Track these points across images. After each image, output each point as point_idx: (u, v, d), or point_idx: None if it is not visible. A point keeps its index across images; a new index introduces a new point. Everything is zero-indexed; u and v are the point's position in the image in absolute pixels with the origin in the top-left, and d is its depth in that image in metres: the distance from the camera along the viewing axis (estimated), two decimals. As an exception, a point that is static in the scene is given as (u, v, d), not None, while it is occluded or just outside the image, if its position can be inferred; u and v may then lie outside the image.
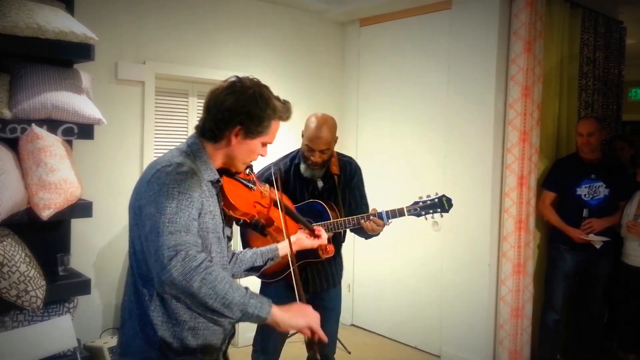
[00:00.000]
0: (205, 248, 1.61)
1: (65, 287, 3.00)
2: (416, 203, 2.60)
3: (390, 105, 4.63)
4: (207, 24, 4.05)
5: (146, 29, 3.72)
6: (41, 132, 2.78)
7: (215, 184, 1.70)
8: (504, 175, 3.87)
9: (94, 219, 3.28)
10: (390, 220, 2.60)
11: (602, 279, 3.85)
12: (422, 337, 4.41)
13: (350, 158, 2.93)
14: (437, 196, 2.60)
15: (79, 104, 2.94)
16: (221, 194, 1.76)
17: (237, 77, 1.71)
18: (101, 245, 3.56)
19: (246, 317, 1.49)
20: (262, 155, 1.76)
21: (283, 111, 1.73)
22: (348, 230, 2.74)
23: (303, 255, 2.65)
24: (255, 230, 1.90)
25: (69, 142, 3.07)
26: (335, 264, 2.84)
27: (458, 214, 4.06)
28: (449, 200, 2.60)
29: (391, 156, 4.61)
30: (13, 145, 2.80)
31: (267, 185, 2.06)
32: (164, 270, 1.41)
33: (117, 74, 3.60)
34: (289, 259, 1.87)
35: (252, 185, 1.93)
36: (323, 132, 2.66)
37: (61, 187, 2.78)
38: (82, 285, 3.06)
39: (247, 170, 1.84)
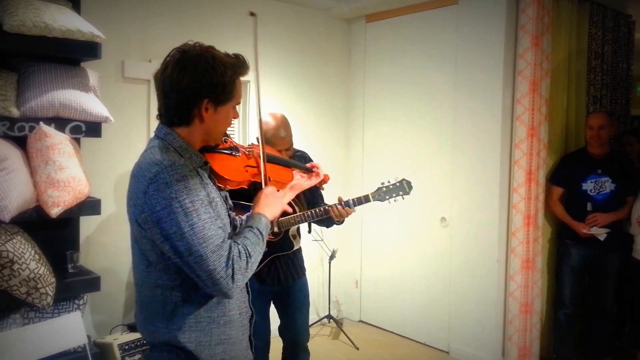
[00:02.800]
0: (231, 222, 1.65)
1: (74, 284, 3.01)
2: (379, 189, 2.67)
3: (396, 102, 4.62)
4: (213, 22, 4.06)
5: (152, 27, 3.73)
6: (49, 130, 2.79)
7: (205, 166, 1.66)
8: (512, 170, 3.85)
9: (102, 217, 3.30)
10: (355, 208, 2.67)
11: (612, 275, 3.82)
12: (430, 333, 4.40)
13: (304, 152, 2.97)
14: (397, 180, 2.68)
15: (87, 102, 2.95)
16: (212, 173, 1.72)
17: (176, 49, 1.58)
18: (110, 242, 3.57)
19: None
20: (235, 118, 1.69)
21: (240, 66, 1.62)
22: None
23: (272, 250, 2.73)
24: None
25: (77, 140, 3.08)
26: (300, 255, 2.95)
27: (466, 209, 4.10)
28: (409, 183, 2.67)
29: (398, 153, 4.60)
30: (21, 143, 2.81)
31: (247, 146, 2.01)
32: (230, 288, 1.50)
33: (123, 72, 3.61)
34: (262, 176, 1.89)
35: (235, 152, 1.86)
36: (283, 131, 2.71)
37: (70, 184, 2.79)
38: (92, 282, 3.08)
39: (224, 139, 1.77)
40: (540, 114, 3.77)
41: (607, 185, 3.74)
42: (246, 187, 1.86)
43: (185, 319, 1.57)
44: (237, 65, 1.61)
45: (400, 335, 4.63)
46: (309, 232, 2.97)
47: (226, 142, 1.80)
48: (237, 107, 1.68)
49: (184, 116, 1.57)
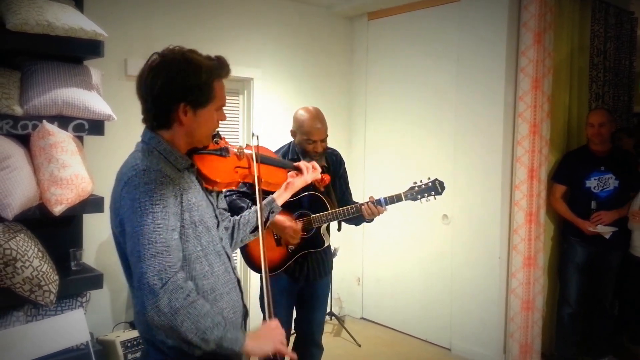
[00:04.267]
0: (193, 246, 1.57)
1: (77, 282, 3.02)
2: (412, 188, 2.68)
3: (399, 99, 4.62)
4: (215, 20, 4.06)
5: (155, 25, 3.74)
6: (52, 128, 2.80)
7: (191, 168, 1.65)
8: (514, 168, 3.85)
9: (105, 214, 3.27)
10: (387, 206, 2.68)
11: (613, 271, 3.83)
12: (432, 330, 4.41)
13: (334, 149, 3.01)
14: (430, 180, 2.69)
15: (90, 100, 2.96)
16: (200, 175, 1.71)
17: (156, 53, 1.59)
18: (113, 240, 3.58)
19: (220, 349, 1.49)
20: (221, 120, 1.67)
21: (220, 68, 1.62)
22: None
23: (304, 246, 2.74)
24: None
25: (80, 138, 3.09)
26: (329, 253, 3.00)
27: (468, 207, 4.10)
28: (441, 184, 2.68)
29: (400, 150, 4.60)
30: (25, 141, 2.82)
31: (239, 146, 2.00)
32: (150, 301, 1.38)
33: (126, 70, 3.61)
34: (258, 223, 1.85)
35: (225, 153, 1.85)
36: (320, 122, 2.75)
37: (73, 182, 2.80)
38: (95, 280, 3.09)
39: (215, 140, 1.76)
40: (543, 111, 3.77)
41: (611, 182, 3.74)
42: (235, 188, 1.86)
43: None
44: (216, 67, 1.60)
45: (401, 332, 4.64)
46: (339, 229, 2.97)
47: (218, 143, 1.78)
48: (222, 108, 1.66)
49: (163, 120, 1.58)
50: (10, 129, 2.76)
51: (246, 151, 1.93)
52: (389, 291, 4.74)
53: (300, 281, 2.86)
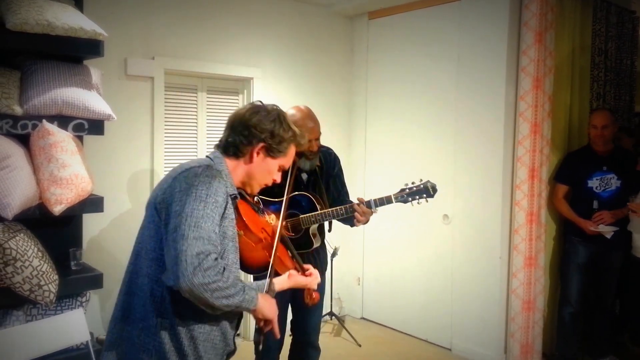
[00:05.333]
0: (227, 252, 1.66)
1: (77, 282, 3.02)
2: (402, 190, 2.64)
3: (399, 99, 4.61)
4: (216, 19, 4.05)
5: (155, 24, 3.73)
6: (52, 128, 2.79)
7: (234, 199, 1.74)
8: (515, 167, 3.84)
9: (105, 214, 3.31)
10: (377, 208, 2.63)
11: (615, 271, 3.82)
12: (433, 330, 4.40)
13: (329, 148, 2.94)
14: (422, 182, 2.63)
15: (89, 99, 2.95)
16: (236, 212, 1.79)
17: (260, 101, 1.83)
18: (113, 240, 3.58)
19: (238, 309, 1.64)
20: (275, 181, 1.84)
21: (299, 137, 1.84)
22: (334, 220, 2.77)
23: (294, 246, 2.69)
24: None
25: (80, 138, 3.09)
26: (322, 253, 2.92)
27: (469, 206, 4.09)
28: (433, 186, 2.62)
29: (400, 150, 4.60)
30: (24, 141, 2.82)
31: (272, 215, 2.10)
32: (186, 278, 1.48)
33: (126, 70, 3.61)
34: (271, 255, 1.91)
35: (261, 213, 1.99)
36: (312, 120, 2.72)
37: (72, 182, 2.80)
38: (95, 280, 3.09)
39: (255, 198, 1.90)
40: (544, 110, 3.76)
41: (613, 182, 3.73)
42: (253, 244, 1.92)
43: (166, 314, 1.64)
44: (297, 135, 1.84)
45: (402, 332, 4.64)
46: (329, 230, 2.93)
47: (257, 202, 1.92)
48: (279, 172, 1.85)
49: (239, 149, 1.76)
50: (10, 129, 2.76)
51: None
52: (390, 291, 4.74)
53: None
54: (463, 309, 4.15)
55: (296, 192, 2.70)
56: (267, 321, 1.76)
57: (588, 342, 3.94)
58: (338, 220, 2.73)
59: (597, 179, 3.75)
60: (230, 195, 1.71)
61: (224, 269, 1.55)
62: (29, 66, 2.88)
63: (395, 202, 2.61)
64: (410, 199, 2.61)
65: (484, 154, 3.96)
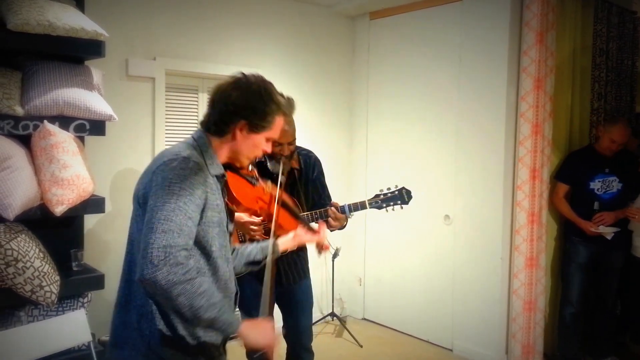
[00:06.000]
0: (207, 243, 1.63)
1: (79, 282, 3.02)
2: (377, 196, 2.64)
3: (400, 99, 4.61)
4: (217, 20, 4.05)
5: (156, 25, 3.73)
6: (53, 128, 2.79)
7: (221, 178, 1.72)
8: (516, 168, 3.84)
9: (106, 215, 3.31)
10: (352, 213, 2.62)
11: (616, 272, 3.83)
12: (434, 331, 4.40)
13: (309, 151, 2.90)
14: (397, 188, 2.63)
15: (91, 100, 2.95)
16: (226, 189, 1.78)
17: (242, 73, 1.73)
18: (114, 240, 3.58)
19: (213, 329, 1.58)
20: (265, 152, 1.79)
21: (286, 106, 1.76)
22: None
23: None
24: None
25: (81, 139, 3.09)
26: (303, 256, 2.88)
27: (470, 207, 4.09)
28: (408, 193, 2.63)
29: (402, 150, 4.60)
30: (26, 142, 2.82)
31: (269, 182, 2.09)
32: (149, 270, 1.43)
33: (127, 71, 3.61)
34: (269, 260, 1.90)
35: (255, 182, 1.96)
36: (287, 123, 2.60)
37: (74, 183, 2.80)
38: (96, 280, 3.09)
39: (250, 167, 1.86)
40: (545, 111, 3.76)
41: (614, 184, 3.73)
42: (249, 215, 1.91)
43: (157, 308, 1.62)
44: (284, 104, 1.75)
45: (403, 332, 4.63)
46: None
47: (251, 171, 1.89)
48: (269, 142, 1.77)
49: (221, 128, 1.70)
50: (11, 129, 2.76)
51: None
52: (391, 292, 4.73)
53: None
54: (464, 310, 4.15)
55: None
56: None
57: (589, 343, 3.94)
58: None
59: (599, 181, 3.75)
60: (217, 175, 1.68)
61: (197, 271, 1.51)
62: (30, 67, 2.88)
63: (370, 207, 2.60)
64: (384, 205, 2.61)
65: (485, 155, 3.96)
